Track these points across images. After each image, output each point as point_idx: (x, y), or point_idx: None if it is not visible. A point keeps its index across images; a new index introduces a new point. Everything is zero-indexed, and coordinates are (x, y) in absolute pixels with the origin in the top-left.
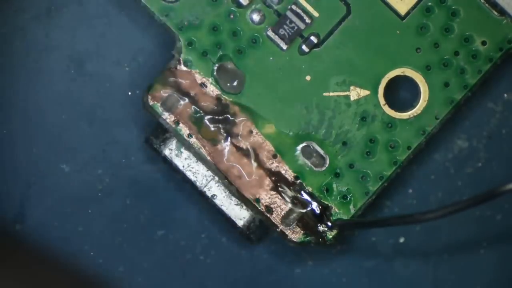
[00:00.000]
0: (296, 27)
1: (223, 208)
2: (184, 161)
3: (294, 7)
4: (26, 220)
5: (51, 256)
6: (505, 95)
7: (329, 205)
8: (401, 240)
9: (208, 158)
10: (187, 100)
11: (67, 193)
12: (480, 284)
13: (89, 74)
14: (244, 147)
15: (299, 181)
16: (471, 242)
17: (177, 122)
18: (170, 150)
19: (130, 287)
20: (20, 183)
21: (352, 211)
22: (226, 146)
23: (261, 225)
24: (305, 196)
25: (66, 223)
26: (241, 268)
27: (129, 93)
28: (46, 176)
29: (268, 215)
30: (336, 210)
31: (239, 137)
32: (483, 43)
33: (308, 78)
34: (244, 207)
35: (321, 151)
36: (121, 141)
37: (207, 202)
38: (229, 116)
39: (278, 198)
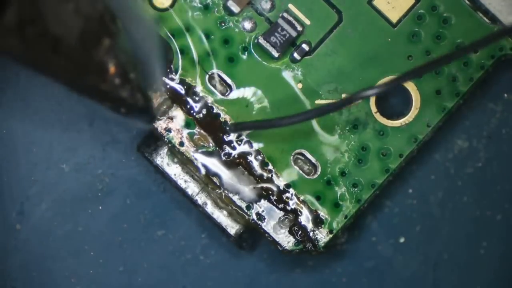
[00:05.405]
0: (287, 35)
1: (214, 216)
2: (176, 169)
3: (285, 14)
4: (26, 220)
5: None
6: (505, 95)
7: (321, 212)
8: (401, 240)
9: (200, 166)
10: (178, 108)
11: (67, 193)
12: (480, 284)
13: None
14: (236, 155)
15: (290, 189)
16: (471, 242)
17: (168, 130)
18: (162, 158)
19: (130, 287)
20: (20, 183)
21: (344, 219)
22: (217, 154)
23: (254, 232)
24: (296, 204)
25: (66, 223)
26: (241, 268)
27: None
28: (46, 176)
29: (260, 223)
30: (328, 217)
31: (230, 145)
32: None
33: (300, 85)
34: (234, 217)
35: (313, 159)
36: (121, 141)
37: (199, 211)
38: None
39: (270, 206)
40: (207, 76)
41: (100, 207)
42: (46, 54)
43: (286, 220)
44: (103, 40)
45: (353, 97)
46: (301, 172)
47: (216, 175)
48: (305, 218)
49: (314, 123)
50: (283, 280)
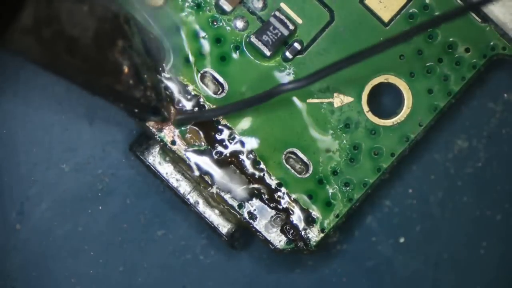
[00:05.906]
0: (279, 34)
1: (206, 215)
2: (168, 168)
3: (277, 13)
4: (26, 220)
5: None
6: (505, 95)
7: (313, 211)
8: (401, 240)
9: (192, 165)
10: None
11: (67, 193)
12: (480, 284)
13: None
14: (228, 154)
15: (282, 188)
16: (471, 242)
17: (160, 129)
18: (154, 157)
19: (130, 287)
20: (20, 183)
21: (336, 218)
22: (209, 152)
23: (245, 231)
24: (288, 203)
25: (66, 223)
26: (240, 268)
27: None
28: (46, 176)
29: (251, 222)
30: (320, 216)
31: (222, 144)
32: (467, 50)
33: None
34: (226, 216)
35: (305, 158)
36: (121, 141)
37: (191, 210)
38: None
39: (262, 205)
40: (199, 75)
41: (100, 207)
42: (62, 55)
43: (278, 219)
44: (117, 41)
45: (275, 91)
46: (292, 171)
47: (208, 173)
48: (297, 217)
49: (306, 122)
50: (283, 280)
